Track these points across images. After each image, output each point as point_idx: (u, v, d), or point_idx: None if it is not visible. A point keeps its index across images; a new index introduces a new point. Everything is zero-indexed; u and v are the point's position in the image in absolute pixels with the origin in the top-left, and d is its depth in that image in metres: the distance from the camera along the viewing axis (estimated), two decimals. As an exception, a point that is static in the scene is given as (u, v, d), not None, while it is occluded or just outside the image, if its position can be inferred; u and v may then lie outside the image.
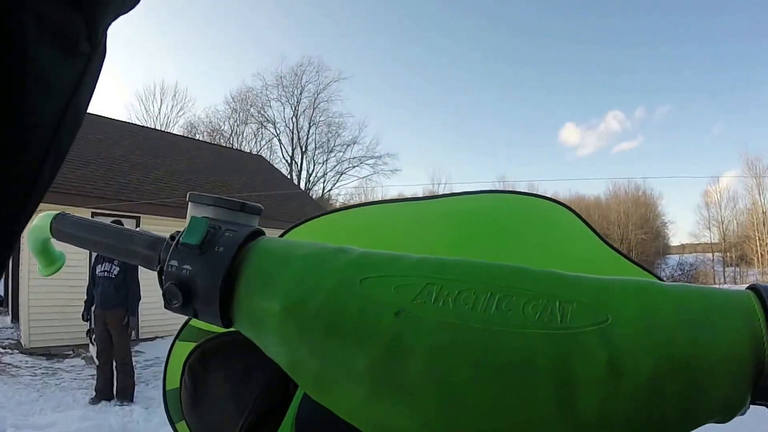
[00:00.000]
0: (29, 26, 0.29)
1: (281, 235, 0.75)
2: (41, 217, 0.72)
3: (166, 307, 0.55)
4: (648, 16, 70.08)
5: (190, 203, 0.62)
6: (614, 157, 78.45)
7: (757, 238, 47.16)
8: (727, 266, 49.99)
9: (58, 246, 0.76)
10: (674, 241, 62.23)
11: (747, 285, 0.48)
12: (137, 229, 0.66)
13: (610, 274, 0.62)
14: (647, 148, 77.27)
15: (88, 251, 8.22)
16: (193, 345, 0.74)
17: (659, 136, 78.05)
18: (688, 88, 71.37)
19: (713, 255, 51.94)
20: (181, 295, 0.53)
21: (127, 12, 0.39)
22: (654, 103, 75.82)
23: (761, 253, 46.41)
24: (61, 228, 0.70)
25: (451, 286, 0.48)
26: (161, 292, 0.55)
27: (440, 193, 0.84)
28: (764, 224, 47.19)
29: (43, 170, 0.34)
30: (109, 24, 0.37)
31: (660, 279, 0.65)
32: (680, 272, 48.94)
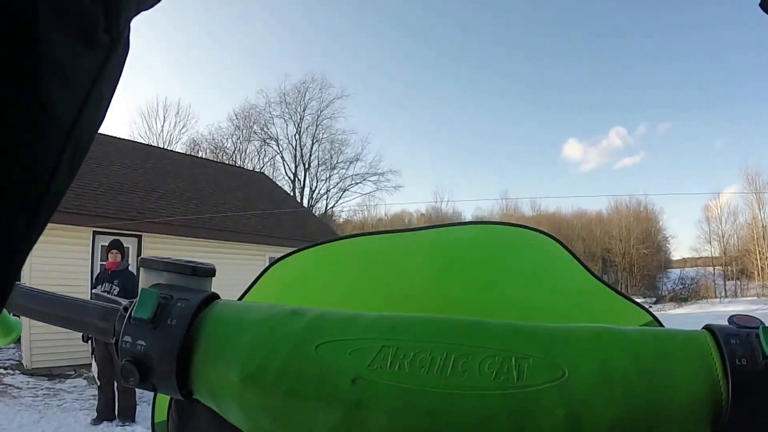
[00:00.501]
0: (42, 10, 0.28)
1: (275, 261, 0.75)
2: None
3: (125, 384, 0.55)
4: (651, 33, 70.21)
5: (141, 269, 0.61)
6: (617, 173, 78.27)
7: (757, 251, 46.91)
8: (728, 280, 49.67)
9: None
10: (675, 255, 62.02)
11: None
12: (93, 295, 0.64)
13: (594, 304, 0.69)
14: (649, 163, 77.10)
15: (89, 270, 8.24)
16: None
17: (661, 152, 77.93)
18: (689, 103, 71.33)
19: (714, 269, 51.65)
20: (137, 372, 0.53)
21: (149, 8, 0.39)
22: (656, 119, 75.81)
23: (761, 267, 46.18)
24: (14, 300, 0.68)
25: (406, 348, 0.48)
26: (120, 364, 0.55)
27: (432, 223, 0.83)
28: (764, 238, 46.96)
29: (58, 170, 0.32)
30: (132, 17, 0.36)
31: (643, 308, 0.68)
32: (681, 286, 48.77)
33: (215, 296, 0.59)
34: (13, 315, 0.78)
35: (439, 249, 0.77)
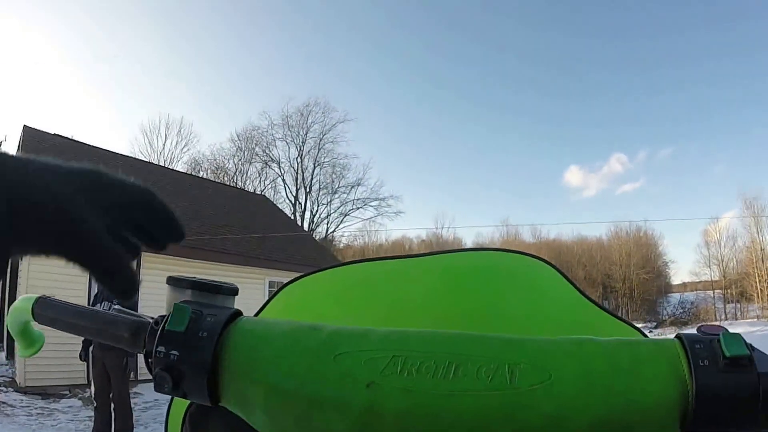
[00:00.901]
0: None
1: (284, 286, 0.82)
2: (22, 300, 0.74)
3: (156, 390, 0.58)
4: (651, 61, 70.89)
5: (168, 286, 0.64)
6: (617, 198, 78.86)
7: (756, 274, 47.15)
8: (728, 302, 49.89)
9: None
10: (675, 279, 62.26)
11: (686, 332, 0.54)
12: (114, 309, 0.68)
13: (589, 326, 0.75)
14: (649, 189, 77.77)
15: (87, 289, 8.20)
16: None
17: (661, 178, 78.69)
18: (690, 129, 72.14)
19: (714, 292, 51.83)
20: (171, 379, 0.56)
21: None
22: (656, 145, 76.42)
23: (761, 289, 46.36)
24: (42, 312, 0.72)
25: (414, 357, 0.53)
26: (152, 374, 0.58)
27: (435, 250, 0.90)
28: (763, 261, 47.19)
29: None
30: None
31: (634, 326, 0.74)
32: (681, 310, 48.92)
33: (240, 312, 0.63)
34: (38, 327, 0.80)
35: (439, 274, 0.83)
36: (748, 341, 0.50)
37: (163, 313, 0.61)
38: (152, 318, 0.63)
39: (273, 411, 0.55)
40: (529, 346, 0.53)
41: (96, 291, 7.78)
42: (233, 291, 0.66)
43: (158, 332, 0.58)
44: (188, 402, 0.75)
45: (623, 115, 74.86)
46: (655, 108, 72.80)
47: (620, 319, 0.76)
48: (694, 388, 0.47)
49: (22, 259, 0.53)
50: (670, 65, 70.51)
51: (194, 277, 0.65)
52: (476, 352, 0.53)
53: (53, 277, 10.78)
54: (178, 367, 0.57)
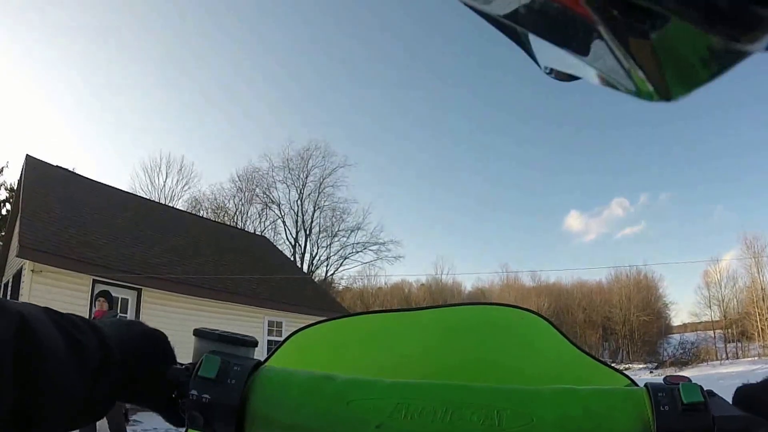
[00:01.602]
0: None
1: (291, 335, 0.88)
2: None
3: (189, 427, 0.67)
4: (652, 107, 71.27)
5: (196, 337, 0.72)
6: (618, 242, 78.12)
7: (757, 313, 46.60)
8: (729, 342, 49.17)
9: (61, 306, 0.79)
10: (676, 320, 61.31)
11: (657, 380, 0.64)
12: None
13: (576, 372, 0.83)
14: (649, 232, 77.07)
15: (88, 309, 8.10)
16: None
17: (661, 221, 77.85)
18: (691, 172, 72.10)
19: (714, 332, 51.21)
20: (203, 419, 0.65)
21: None
22: (657, 189, 76.34)
23: (761, 328, 45.86)
24: None
25: (416, 404, 0.62)
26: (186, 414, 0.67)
27: (431, 305, 1.00)
28: (763, 300, 46.78)
29: None
30: None
31: (622, 373, 0.82)
32: (682, 351, 48.17)
33: (261, 363, 0.71)
34: None
35: (437, 329, 0.91)
36: (712, 387, 0.60)
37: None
38: (182, 365, 0.71)
39: None
40: (514, 395, 0.62)
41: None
42: (254, 343, 0.73)
43: (192, 377, 0.66)
44: None
45: (625, 159, 74.84)
46: (656, 152, 72.89)
47: (608, 365, 0.83)
48: (655, 428, 0.56)
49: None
50: (671, 108, 70.95)
51: (219, 330, 0.73)
52: (468, 400, 0.62)
53: (52, 296, 11.00)
54: (209, 409, 0.64)
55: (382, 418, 0.61)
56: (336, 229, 48.80)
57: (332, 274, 48.91)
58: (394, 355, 0.89)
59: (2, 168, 31.08)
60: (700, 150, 69.04)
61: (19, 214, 13.80)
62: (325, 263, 48.35)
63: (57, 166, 18.30)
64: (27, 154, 17.12)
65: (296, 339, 0.87)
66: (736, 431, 0.56)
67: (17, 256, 12.77)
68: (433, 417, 0.61)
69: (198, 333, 0.72)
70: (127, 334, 0.67)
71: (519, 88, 72.98)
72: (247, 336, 0.73)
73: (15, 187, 22.69)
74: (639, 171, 74.86)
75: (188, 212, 30.43)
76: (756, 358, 42.56)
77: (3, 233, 20.88)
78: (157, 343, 0.71)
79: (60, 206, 14.98)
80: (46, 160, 17.83)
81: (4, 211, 28.50)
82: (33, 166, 16.65)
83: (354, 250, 48.94)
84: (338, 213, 49.14)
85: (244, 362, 0.68)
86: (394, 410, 0.62)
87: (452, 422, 0.60)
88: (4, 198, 30.29)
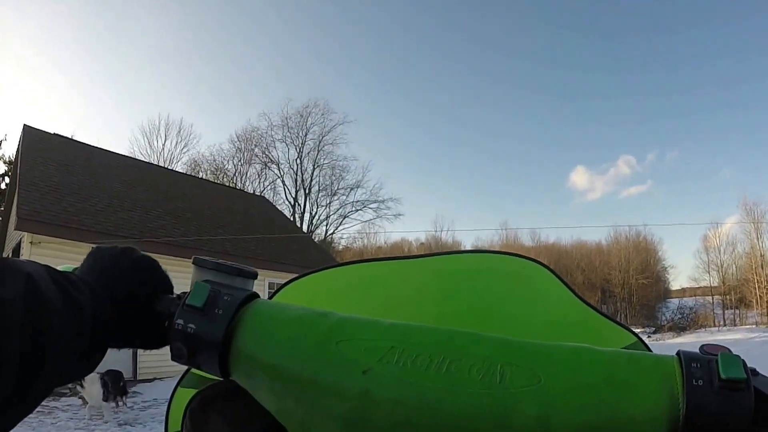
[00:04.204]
0: None
1: (284, 285, 0.85)
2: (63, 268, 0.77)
3: (173, 359, 0.63)
4: (663, 61, 70.93)
5: (193, 266, 0.69)
6: (621, 202, 78.67)
7: (755, 281, 47.06)
8: (727, 309, 49.77)
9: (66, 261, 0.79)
10: (674, 285, 62.21)
11: (702, 344, 0.54)
12: None
13: (581, 325, 0.78)
14: (655, 192, 77.55)
15: None
16: (194, 391, 0.80)
17: (667, 181, 78.50)
18: (699, 130, 71.99)
19: (713, 298, 51.74)
20: (186, 350, 0.61)
21: None
22: (665, 148, 76.35)
23: (760, 296, 46.28)
24: None
25: (411, 349, 0.56)
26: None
27: (433, 251, 0.91)
28: (762, 267, 47.11)
29: None
30: None
31: (628, 328, 0.76)
32: (680, 315, 48.68)
33: (256, 295, 0.67)
34: None
35: (435, 276, 0.86)
36: (747, 358, 0.51)
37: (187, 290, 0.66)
38: (177, 294, 0.68)
39: (276, 390, 0.59)
40: (524, 349, 0.55)
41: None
42: (253, 275, 0.70)
43: (179, 306, 0.63)
44: (188, 398, 0.79)
45: (634, 115, 74.84)
46: (666, 108, 72.78)
47: (617, 323, 0.77)
48: (685, 406, 0.48)
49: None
50: (680, 64, 70.58)
51: (218, 259, 0.69)
52: (471, 350, 0.55)
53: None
54: (194, 340, 0.61)
55: (371, 363, 0.56)
56: (336, 188, 49.08)
57: (332, 234, 49.21)
58: (391, 302, 0.85)
59: (0, 141, 31.32)
60: (710, 107, 68.76)
61: (17, 186, 13.93)
62: (324, 222, 48.61)
63: (55, 134, 18.38)
64: (24, 124, 17.23)
65: (290, 289, 0.85)
66: None
67: (16, 229, 12.96)
68: (427, 366, 0.54)
69: (195, 261, 0.69)
70: (118, 270, 0.66)
71: (527, 39, 72.61)
72: (246, 266, 0.70)
73: (13, 160, 22.80)
74: (650, 125, 74.63)
75: (187, 174, 30.48)
76: (754, 326, 43.07)
77: (2, 207, 21.14)
78: (149, 271, 0.69)
79: (58, 174, 15.08)
80: (43, 129, 17.92)
81: (3, 185, 28.72)
82: (30, 136, 16.70)
83: (354, 209, 49.35)
84: (338, 171, 49.39)
85: (237, 293, 0.64)
86: (385, 354, 0.56)
87: (447, 374, 0.53)
88: (3, 171, 30.50)
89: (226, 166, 47.29)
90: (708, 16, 68.29)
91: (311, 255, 20.20)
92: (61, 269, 0.63)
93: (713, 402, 0.47)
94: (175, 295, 0.68)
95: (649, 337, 39.58)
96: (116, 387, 8.84)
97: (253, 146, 48.29)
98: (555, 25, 74.77)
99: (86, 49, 65.91)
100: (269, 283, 16.18)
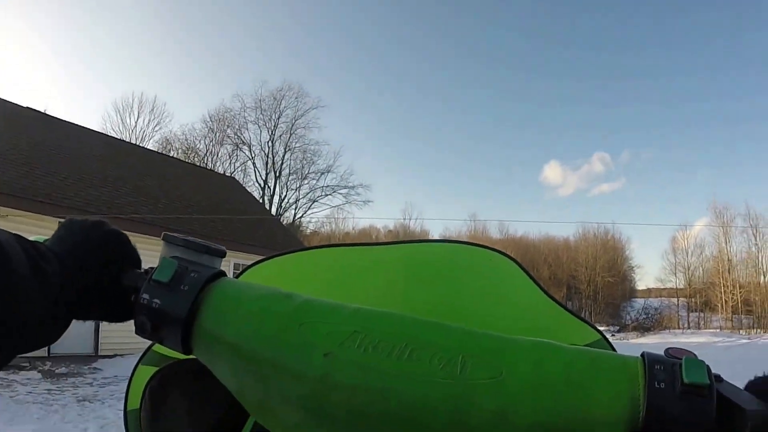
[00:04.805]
0: None
1: (249, 267, 0.86)
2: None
3: (137, 333, 0.64)
4: (642, 54, 71.59)
5: (163, 242, 0.70)
6: (593, 199, 79.59)
7: (721, 284, 47.88)
8: (692, 311, 50.57)
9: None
10: (641, 285, 63.08)
11: (669, 347, 0.54)
12: None
13: (544, 319, 0.78)
14: (626, 190, 78.57)
15: None
16: (154, 369, 0.80)
17: (640, 180, 79.53)
18: (675, 134, 72.91)
19: (678, 300, 52.54)
20: (150, 324, 0.62)
21: None
22: (641, 147, 77.24)
23: (725, 300, 47.07)
24: None
25: (374, 335, 0.56)
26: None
27: (400, 239, 0.91)
28: (729, 272, 47.91)
29: None
30: None
31: (591, 325, 0.76)
32: (645, 316, 49.51)
33: (223, 273, 0.67)
34: None
35: (401, 264, 0.86)
36: (712, 364, 0.50)
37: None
38: (145, 269, 0.69)
39: (237, 369, 0.60)
40: (487, 341, 0.54)
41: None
42: (221, 253, 0.71)
43: (145, 281, 0.64)
44: (149, 376, 0.80)
45: (610, 112, 75.60)
46: (643, 107, 73.60)
47: (582, 319, 0.77)
48: (644, 408, 0.47)
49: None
50: (663, 67, 71.42)
51: (187, 236, 0.70)
52: (433, 339, 0.55)
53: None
54: (158, 315, 0.62)
55: (332, 347, 0.56)
56: (306, 172, 49.20)
57: (300, 217, 49.32)
58: (356, 290, 0.85)
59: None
60: (688, 111, 69.65)
61: (-14, 158, 13.73)
62: (293, 206, 48.66)
63: (27, 107, 18.13)
64: (-4, 96, 16.88)
65: (256, 270, 0.86)
66: (745, 427, 0.45)
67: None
68: (389, 353, 0.54)
69: (165, 237, 0.70)
70: (88, 243, 0.66)
71: (502, 33, 72.76)
72: (215, 244, 0.71)
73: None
74: (626, 123, 75.44)
75: (158, 152, 30.05)
76: (718, 330, 43.91)
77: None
78: (118, 245, 0.70)
79: (28, 148, 14.94)
80: (15, 102, 17.70)
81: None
82: (2, 109, 16.43)
83: (323, 194, 49.55)
84: (309, 155, 49.56)
85: (203, 270, 0.65)
86: (347, 338, 0.56)
87: (408, 362, 0.53)
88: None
89: (198, 146, 47.21)
90: (691, 19, 68.95)
91: (279, 238, 20.23)
92: (33, 239, 0.63)
93: (674, 406, 0.46)
94: (142, 270, 0.68)
95: (613, 335, 40.19)
96: None
97: (225, 127, 48.24)
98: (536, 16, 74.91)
99: (62, 24, 64.89)
100: (235, 264, 16.16)
